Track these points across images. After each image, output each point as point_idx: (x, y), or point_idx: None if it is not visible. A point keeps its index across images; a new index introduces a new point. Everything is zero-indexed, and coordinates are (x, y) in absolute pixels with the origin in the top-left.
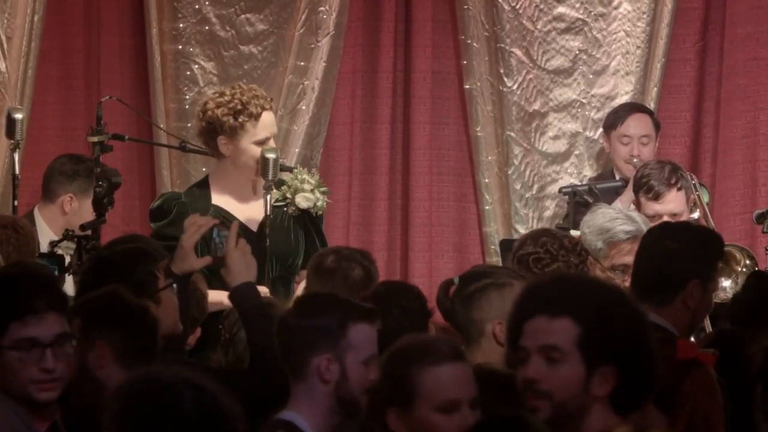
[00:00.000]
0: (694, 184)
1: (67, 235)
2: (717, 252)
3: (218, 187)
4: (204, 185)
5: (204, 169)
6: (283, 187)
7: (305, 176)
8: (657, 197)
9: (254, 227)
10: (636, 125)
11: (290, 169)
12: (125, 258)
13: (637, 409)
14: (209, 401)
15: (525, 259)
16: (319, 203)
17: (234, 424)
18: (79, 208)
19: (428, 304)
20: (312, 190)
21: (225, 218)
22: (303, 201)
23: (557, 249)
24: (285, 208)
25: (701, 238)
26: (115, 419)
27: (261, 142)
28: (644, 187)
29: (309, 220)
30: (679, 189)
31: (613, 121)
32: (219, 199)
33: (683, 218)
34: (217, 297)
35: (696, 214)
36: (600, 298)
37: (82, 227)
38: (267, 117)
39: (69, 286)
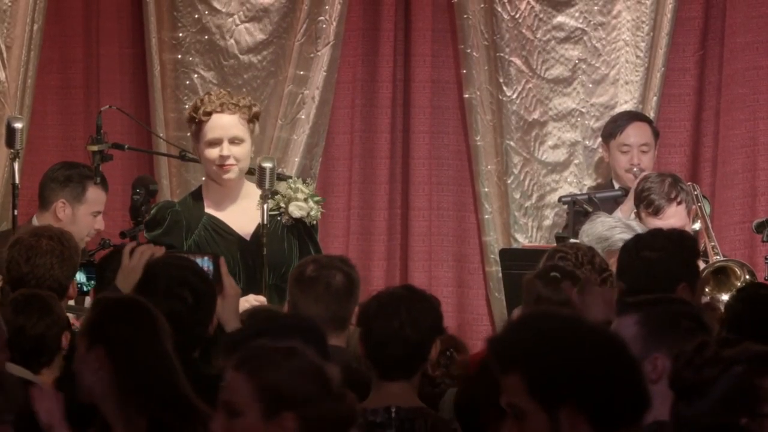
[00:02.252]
0: (696, 195)
1: (105, 244)
2: (694, 252)
3: (208, 196)
4: (198, 194)
5: (203, 179)
6: (276, 197)
7: (299, 185)
8: (657, 212)
9: (247, 235)
10: (635, 134)
11: (285, 179)
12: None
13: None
14: None
15: (553, 254)
16: (312, 212)
17: None
18: (72, 215)
19: (442, 323)
20: (305, 200)
21: (219, 227)
22: (296, 210)
23: (585, 261)
24: (279, 218)
25: (677, 243)
26: None
27: (211, 143)
28: (645, 202)
29: (303, 230)
30: (679, 203)
31: (612, 130)
32: (212, 208)
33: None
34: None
35: (697, 225)
36: (543, 339)
37: (123, 234)
38: (218, 118)
39: None
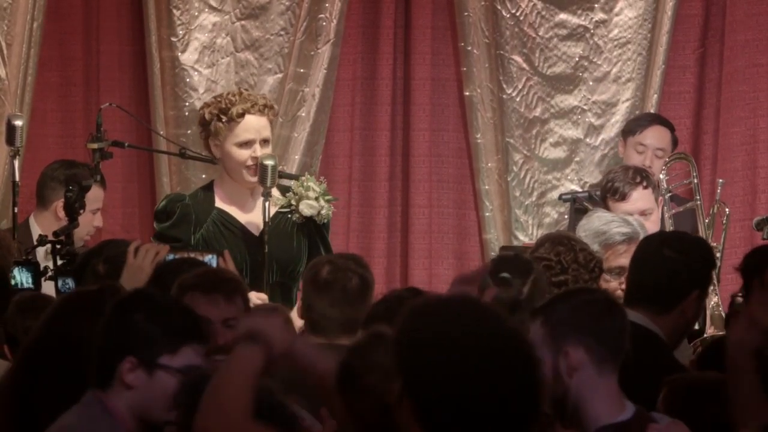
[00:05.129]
0: (666, 189)
1: (42, 241)
2: (712, 262)
3: (221, 191)
4: (209, 189)
5: (203, 176)
6: (288, 194)
7: (311, 184)
8: (624, 197)
9: (256, 232)
10: (654, 137)
11: (296, 177)
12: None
13: None
14: None
15: (538, 262)
16: (323, 211)
17: None
18: None
19: None
20: (317, 198)
21: (228, 222)
22: (307, 208)
23: (570, 261)
24: (289, 215)
25: (699, 249)
26: None
27: (243, 144)
28: (610, 191)
29: (314, 228)
30: (645, 187)
31: (633, 127)
32: (222, 203)
33: (654, 216)
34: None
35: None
36: (414, 330)
37: (56, 233)
38: (251, 119)
39: (47, 291)
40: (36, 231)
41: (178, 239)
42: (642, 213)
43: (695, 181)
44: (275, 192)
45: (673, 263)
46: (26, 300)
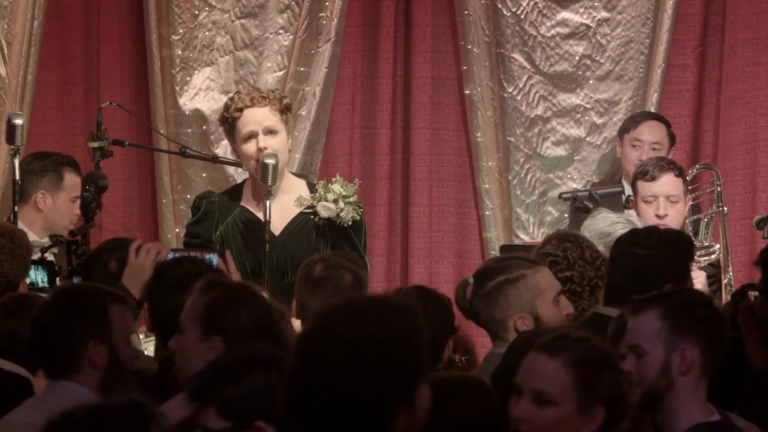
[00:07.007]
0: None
1: (56, 241)
2: (687, 254)
3: (247, 190)
4: (239, 187)
5: (204, 175)
6: (312, 194)
7: (334, 186)
8: (654, 178)
9: (276, 231)
10: (649, 131)
11: (304, 177)
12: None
13: None
14: None
15: (544, 258)
16: (342, 213)
17: None
18: (53, 203)
19: (454, 322)
20: (335, 200)
21: (249, 220)
22: (323, 210)
23: (576, 258)
24: (312, 216)
25: (670, 242)
26: None
27: (247, 138)
28: (641, 173)
29: (337, 231)
30: (676, 175)
31: (628, 125)
32: (248, 202)
33: (679, 206)
34: None
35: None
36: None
37: (72, 233)
38: (249, 112)
39: None
40: (20, 226)
41: (199, 236)
42: (668, 198)
43: (718, 189)
44: (305, 192)
45: (645, 261)
46: (12, 301)
